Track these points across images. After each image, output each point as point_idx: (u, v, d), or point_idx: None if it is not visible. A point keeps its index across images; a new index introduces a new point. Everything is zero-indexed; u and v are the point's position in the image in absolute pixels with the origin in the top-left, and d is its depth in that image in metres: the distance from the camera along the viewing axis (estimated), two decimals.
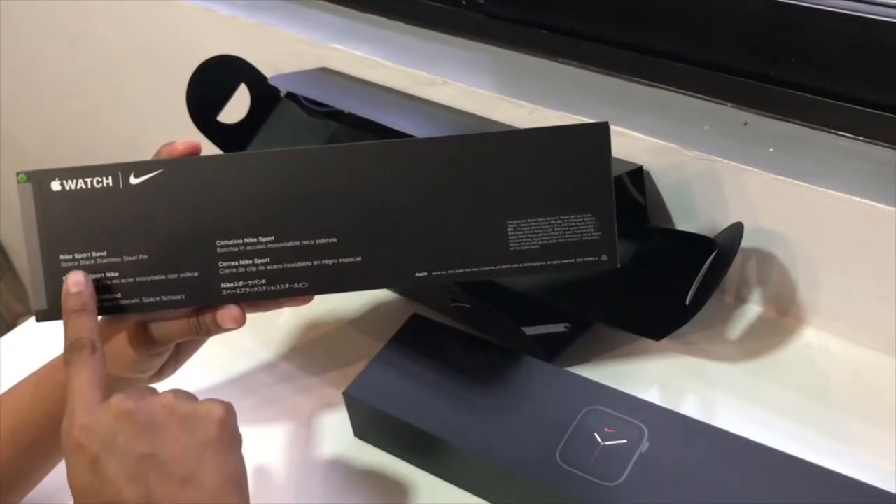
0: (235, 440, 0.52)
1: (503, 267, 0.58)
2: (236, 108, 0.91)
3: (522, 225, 0.57)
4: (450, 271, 0.58)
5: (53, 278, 0.57)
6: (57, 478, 0.65)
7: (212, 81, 0.88)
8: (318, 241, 0.57)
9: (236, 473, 0.51)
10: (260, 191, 0.57)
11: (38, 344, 0.70)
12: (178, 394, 0.52)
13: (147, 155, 0.59)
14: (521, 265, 0.57)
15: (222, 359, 0.78)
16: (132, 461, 0.48)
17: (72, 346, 0.53)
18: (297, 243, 0.57)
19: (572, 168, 0.57)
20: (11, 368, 0.66)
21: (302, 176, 0.57)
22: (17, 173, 0.56)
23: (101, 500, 0.48)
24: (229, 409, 0.52)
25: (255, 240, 0.57)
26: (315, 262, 0.57)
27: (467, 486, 0.65)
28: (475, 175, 0.57)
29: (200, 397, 0.53)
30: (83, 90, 1.47)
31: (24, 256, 0.57)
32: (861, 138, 0.72)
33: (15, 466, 0.62)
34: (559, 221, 0.57)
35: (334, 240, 0.57)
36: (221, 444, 0.50)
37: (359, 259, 0.57)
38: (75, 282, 0.55)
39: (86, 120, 1.53)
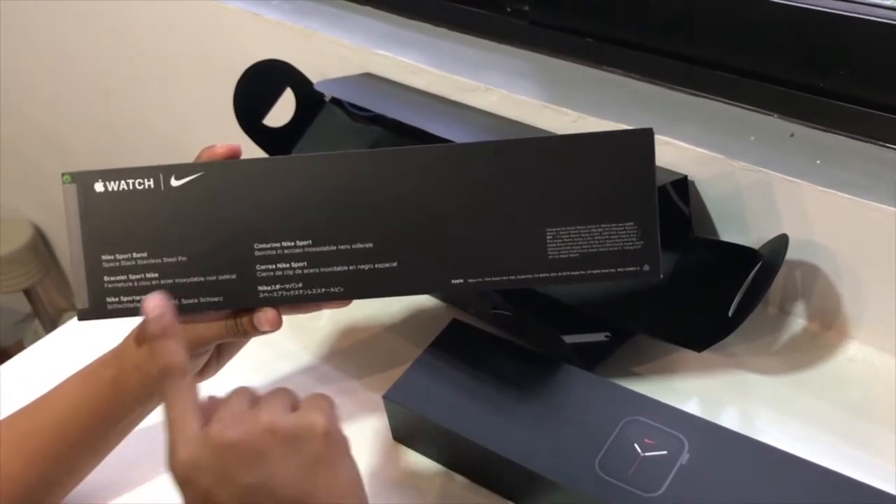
0: (342, 446, 0.51)
1: (541, 276, 0.57)
2: (282, 111, 0.92)
3: (562, 233, 0.56)
4: (486, 279, 0.57)
5: (95, 278, 0.58)
6: (100, 476, 0.66)
7: (258, 85, 0.89)
8: (354, 246, 0.57)
9: (350, 480, 0.50)
10: (298, 194, 0.57)
11: (83, 341, 0.71)
12: (276, 407, 0.50)
13: (192, 157, 0.60)
14: (559, 274, 0.57)
15: (264, 360, 0.79)
16: (244, 493, 0.47)
17: (162, 372, 0.51)
18: (334, 248, 0.57)
19: (614, 175, 0.56)
20: (57, 365, 0.67)
21: (339, 180, 0.57)
22: (62, 174, 0.57)
23: None
24: (331, 416, 0.50)
25: (292, 243, 0.57)
26: (351, 267, 0.57)
27: (505, 492, 0.65)
28: (514, 181, 0.56)
29: None
30: (130, 92, 1.49)
31: (69, 254, 0.58)
32: None
33: (62, 462, 0.63)
34: (600, 230, 0.56)
35: (370, 245, 0.57)
36: (329, 457, 0.49)
37: (395, 264, 0.57)
38: (155, 305, 0.53)
39: (132, 121, 1.56)
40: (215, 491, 0.47)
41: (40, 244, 2.18)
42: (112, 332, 0.63)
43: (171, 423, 0.49)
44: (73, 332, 0.87)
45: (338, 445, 0.50)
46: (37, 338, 0.88)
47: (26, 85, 1.77)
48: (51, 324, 2.25)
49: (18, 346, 2.19)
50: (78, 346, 0.71)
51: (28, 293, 2.20)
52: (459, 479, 0.67)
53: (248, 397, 0.51)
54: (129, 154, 1.63)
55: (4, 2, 1.59)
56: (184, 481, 0.48)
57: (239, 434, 0.48)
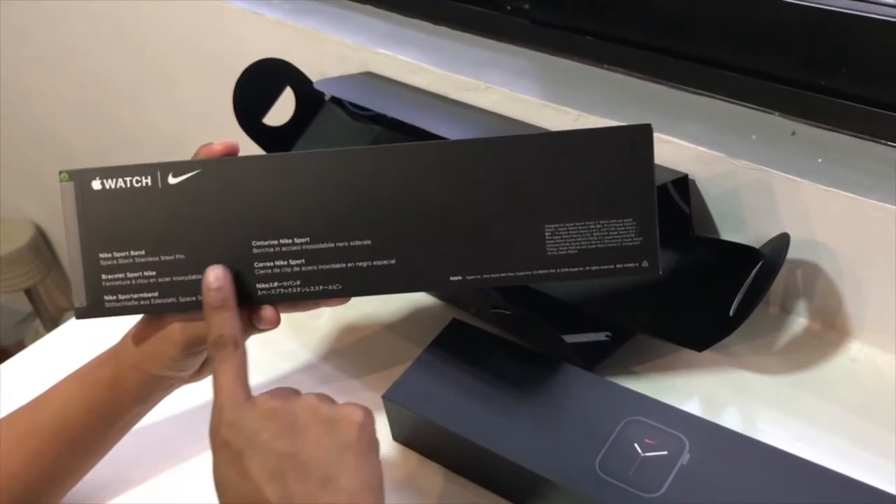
0: (373, 445, 0.53)
1: (540, 272, 0.57)
2: (281, 110, 0.92)
3: (560, 229, 0.56)
4: (485, 276, 0.57)
5: (93, 276, 0.58)
6: (98, 475, 0.66)
7: (258, 84, 0.89)
8: (352, 243, 0.57)
9: (373, 478, 0.51)
10: (296, 192, 0.57)
11: (83, 340, 0.71)
12: (321, 396, 0.53)
13: (191, 156, 0.60)
14: (558, 271, 0.57)
15: (263, 359, 0.78)
16: (274, 459, 0.49)
17: (216, 342, 0.54)
18: (332, 245, 0.57)
19: (613, 171, 0.56)
20: (58, 365, 0.67)
21: (337, 177, 0.57)
22: (60, 172, 0.57)
23: (241, 495, 0.49)
24: (368, 415, 0.53)
25: (290, 241, 0.57)
26: (349, 264, 0.57)
27: (505, 492, 0.65)
28: (512, 177, 0.56)
29: None
30: (131, 91, 1.49)
31: (67, 252, 0.58)
32: None
33: (59, 462, 0.63)
34: (598, 226, 0.56)
35: (368, 242, 0.57)
36: (360, 448, 0.51)
37: (393, 261, 0.57)
38: (216, 277, 0.56)
39: (133, 121, 1.55)
40: (249, 454, 0.49)
41: (41, 244, 2.19)
42: (112, 332, 0.63)
43: (219, 390, 0.52)
44: (73, 331, 0.87)
45: (370, 441, 0.52)
46: (38, 337, 0.88)
47: (26, 85, 1.77)
48: (52, 323, 2.25)
49: (19, 346, 2.18)
50: (78, 345, 0.71)
51: (29, 293, 2.21)
52: (459, 479, 0.67)
53: (295, 390, 0.55)
54: (130, 154, 1.63)
55: (4, 2, 1.59)
56: (221, 444, 0.50)
57: (282, 405, 0.51)
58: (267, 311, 0.58)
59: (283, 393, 0.53)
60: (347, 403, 0.53)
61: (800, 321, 0.77)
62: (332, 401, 0.54)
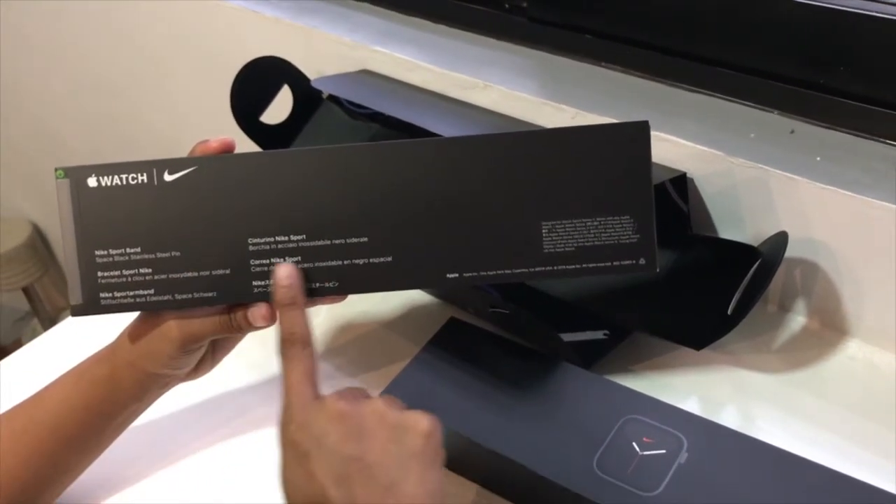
0: (438, 455, 0.52)
1: (537, 269, 0.57)
2: (279, 109, 0.92)
3: (557, 226, 0.56)
4: (482, 273, 0.57)
5: (89, 273, 0.57)
6: (95, 474, 0.66)
7: (255, 82, 0.88)
8: (349, 241, 0.57)
9: (436, 489, 0.51)
10: (292, 189, 0.57)
11: (81, 339, 0.70)
12: (389, 401, 0.53)
13: (188, 153, 0.60)
14: (555, 268, 0.57)
15: (260, 357, 0.78)
16: (340, 462, 0.49)
17: (286, 340, 0.54)
18: (329, 242, 0.57)
19: (610, 168, 0.56)
20: (55, 363, 0.67)
21: (333, 174, 0.57)
22: (56, 169, 0.57)
23: (306, 496, 0.49)
24: (435, 424, 0.52)
25: (286, 238, 0.57)
26: (346, 262, 0.57)
27: (503, 491, 0.65)
28: (508, 175, 0.56)
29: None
30: (128, 89, 1.49)
31: (62, 250, 0.57)
32: None
33: (56, 460, 0.62)
34: (595, 223, 0.56)
35: (365, 239, 0.57)
36: (426, 457, 0.51)
37: (389, 259, 0.57)
38: (286, 274, 0.56)
39: (132, 120, 1.55)
40: (315, 455, 0.49)
41: (39, 242, 2.18)
42: (109, 330, 0.63)
43: (289, 388, 0.52)
44: (70, 329, 0.87)
45: (435, 451, 0.52)
46: (35, 336, 0.88)
47: (25, 84, 1.77)
48: (49, 322, 2.25)
49: (17, 345, 2.18)
50: (75, 343, 0.71)
51: (27, 291, 2.20)
52: (457, 477, 0.67)
53: (363, 392, 0.55)
54: (130, 153, 1.62)
55: (4, 2, 1.59)
56: (289, 443, 0.50)
57: (351, 408, 0.51)
58: (263, 308, 0.57)
59: (353, 395, 0.53)
60: (415, 411, 0.53)
61: (798, 319, 0.77)
62: (400, 406, 0.53)
